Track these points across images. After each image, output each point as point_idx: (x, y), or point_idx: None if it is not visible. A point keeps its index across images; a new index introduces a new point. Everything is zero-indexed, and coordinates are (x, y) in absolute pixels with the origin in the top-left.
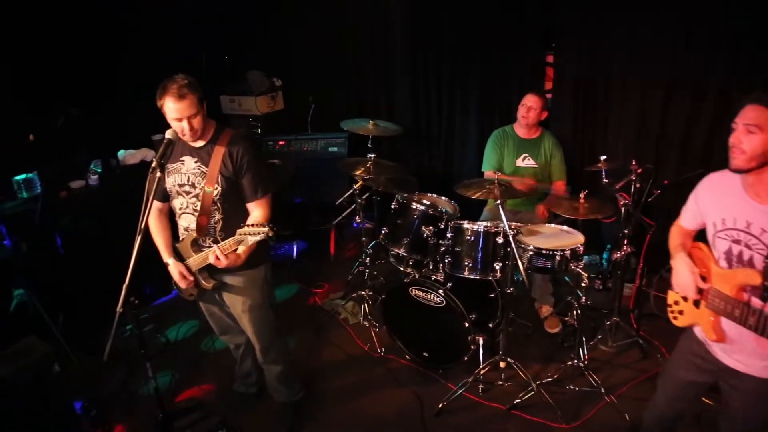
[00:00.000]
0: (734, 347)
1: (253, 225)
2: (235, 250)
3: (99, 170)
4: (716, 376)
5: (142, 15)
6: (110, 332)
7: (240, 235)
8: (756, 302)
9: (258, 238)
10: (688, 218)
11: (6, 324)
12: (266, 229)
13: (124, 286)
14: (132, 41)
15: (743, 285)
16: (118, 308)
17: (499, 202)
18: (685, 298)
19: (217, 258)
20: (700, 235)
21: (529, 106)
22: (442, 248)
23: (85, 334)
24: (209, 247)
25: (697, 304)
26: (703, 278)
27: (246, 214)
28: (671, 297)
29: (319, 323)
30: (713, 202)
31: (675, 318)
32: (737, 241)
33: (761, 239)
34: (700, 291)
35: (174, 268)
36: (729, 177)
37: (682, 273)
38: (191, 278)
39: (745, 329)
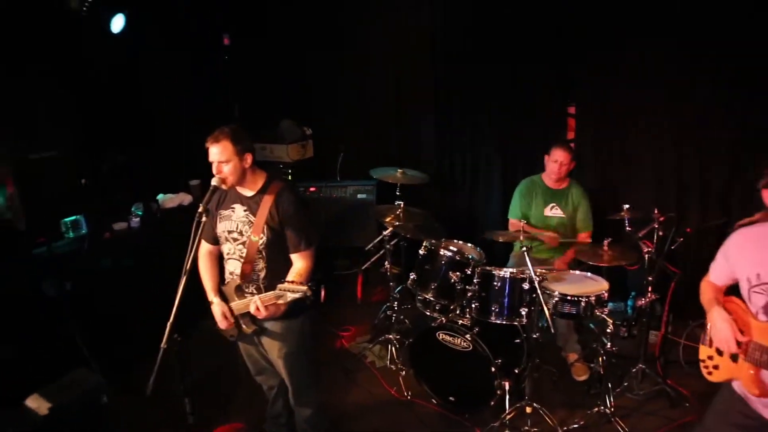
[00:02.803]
0: None
1: (293, 282)
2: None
3: (140, 213)
4: (761, 430)
5: (177, 68)
6: (154, 367)
7: (280, 290)
8: None
9: (296, 296)
10: (718, 275)
11: (54, 356)
12: (305, 288)
13: (169, 323)
14: (168, 93)
15: None
16: (162, 344)
17: (524, 249)
18: (720, 353)
19: (258, 309)
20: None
21: (561, 161)
22: (469, 293)
23: (125, 370)
24: (252, 293)
25: (735, 358)
26: (741, 332)
27: (289, 264)
28: (704, 352)
29: (346, 366)
30: (746, 258)
31: (710, 373)
32: None
33: None
34: (739, 344)
35: (217, 308)
36: (760, 231)
37: (721, 327)
38: (231, 320)
39: None
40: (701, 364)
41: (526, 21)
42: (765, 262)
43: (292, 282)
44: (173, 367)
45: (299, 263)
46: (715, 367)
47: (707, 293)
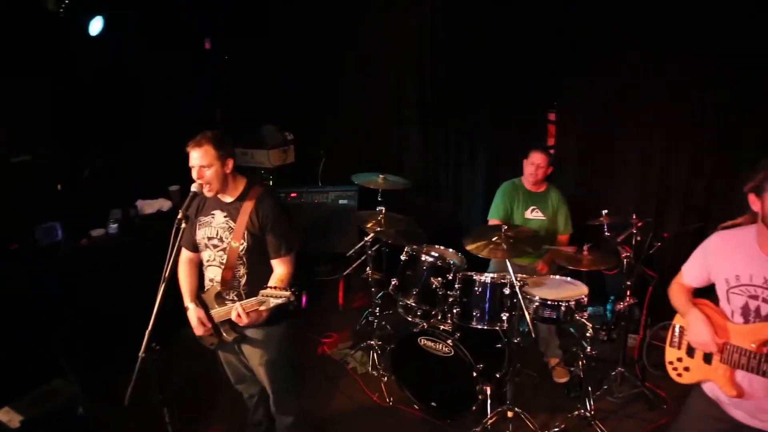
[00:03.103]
0: (752, 403)
1: (276, 287)
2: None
3: (118, 219)
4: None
5: (159, 72)
6: (131, 376)
7: (262, 296)
8: None
9: (279, 301)
10: (693, 276)
11: (30, 368)
12: (288, 293)
13: (147, 332)
14: (150, 97)
15: (766, 339)
16: (140, 353)
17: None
18: (691, 354)
19: (239, 316)
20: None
21: (537, 164)
22: (451, 299)
23: (103, 379)
24: (232, 300)
25: (708, 359)
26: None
27: (270, 271)
28: (673, 354)
29: (328, 373)
30: (726, 259)
31: (680, 375)
32: (755, 297)
33: None
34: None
35: (193, 313)
36: (742, 235)
37: (700, 329)
38: (209, 326)
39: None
40: (669, 366)
41: (507, 28)
42: (745, 264)
43: (275, 288)
44: (152, 375)
45: (280, 269)
46: (686, 368)
47: (679, 295)
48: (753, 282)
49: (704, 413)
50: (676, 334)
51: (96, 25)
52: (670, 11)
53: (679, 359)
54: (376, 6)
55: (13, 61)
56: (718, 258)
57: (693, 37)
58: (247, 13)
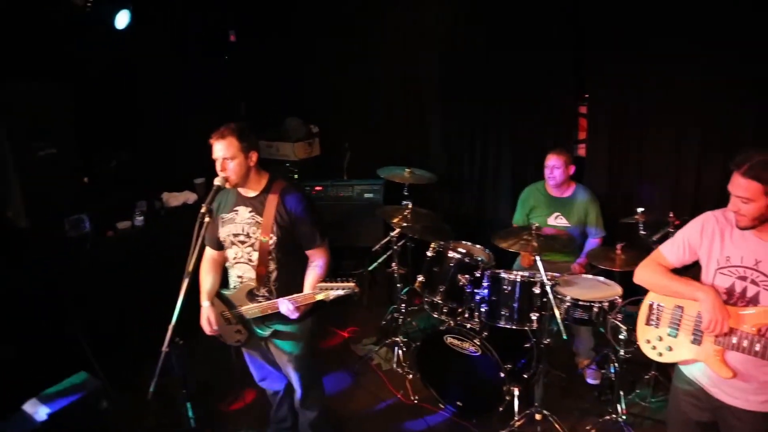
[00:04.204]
0: (737, 384)
1: (337, 279)
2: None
3: (144, 211)
4: (714, 413)
5: (184, 64)
6: (155, 370)
7: (320, 290)
8: None
9: (341, 293)
10: (678, 253)
11: (56, 359)
12: (352, 284)
13: (170, 327)
14: (175, 90)
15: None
16: (164, 348)
17: (536, 255)
18: (673, 334)
19: (290, 309)
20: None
21: (552, 166)
22: (478, 297)
23: (127, 372)
24: (264, 297)
25: (696, 340)
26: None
27: (300, 265)
28: (651, 332)
29: (352, 368)
30: (716, 240)
31: (660, 354)
32: (743, 278)
33: None
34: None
35: (207, 311)
36: (733, 216)
37: (715, 307)
38: (215, 327)
39: (756, 361)
40: (647, 345)
41: (539, 17)
42: (735, 246)
43: (335, 279)
44: (175, 370)
45: (318, 258)
46: (669, 348)
47: (667, 275)
48: (743, 263)
49: (683, 392)
50: (655, 311)
51: (122, 19)
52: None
53: (660, 338)
54: None
55: (38, 55)
56: (710, 239)
57: (733, 26)
58: (271, 5)
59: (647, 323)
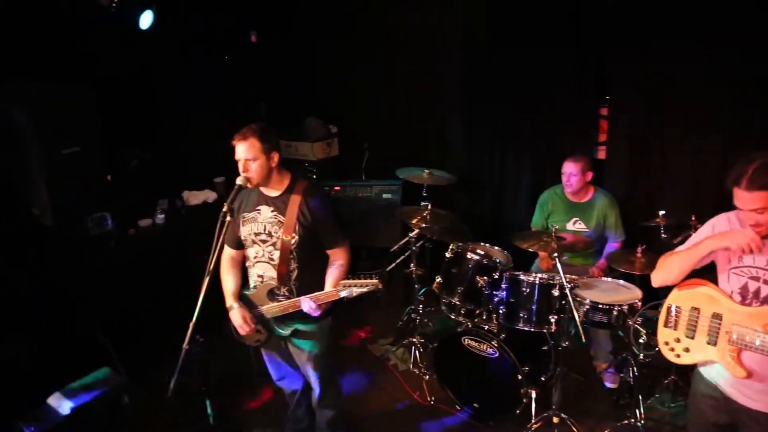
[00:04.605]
0: (753, 385)
1: (360, 276)
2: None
3: (165, 209)
4: (732, 416)
5: (206, 65)
6: (175, 368)
7: (344, 287)
8: None
9: (365, 290)
10: None
11: (77, 354)
12: (376, 281)
13: (191, 324)
14: (196, 90)
15: None
16: (185, 345)
17: (556, 255)
18: (690, 336)
19: (313, 307)
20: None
21: (569, 173)
22: (496, 299)
23: (148, 368)
24: (284, 296)
25: (712, 341)
26: (720, 316)
27: (320, 264)
28: (669, 335)
29: (369, 368)
30: None
31: (678, 356)
32: (755, 278)
33: None
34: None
35: (237, 313)
36: (745, 217)
37: (737, 230)
38: (252, 326)
39: None
40: (665, 347)
41: (557, 18)
42: None
43: (358, 276)
44: (195, 368)
45: (340, 258)
46: (686, 349)
47: (675, 256)
48: (756, 264)
49: (702, 394)
50: (672, 313)
51: (146, 19)
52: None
53: (677, 340)
54: (416, 1)
55: (63, 55)
56: None
57: (753, 28)
58: (292, 5)
59: (665, 325)
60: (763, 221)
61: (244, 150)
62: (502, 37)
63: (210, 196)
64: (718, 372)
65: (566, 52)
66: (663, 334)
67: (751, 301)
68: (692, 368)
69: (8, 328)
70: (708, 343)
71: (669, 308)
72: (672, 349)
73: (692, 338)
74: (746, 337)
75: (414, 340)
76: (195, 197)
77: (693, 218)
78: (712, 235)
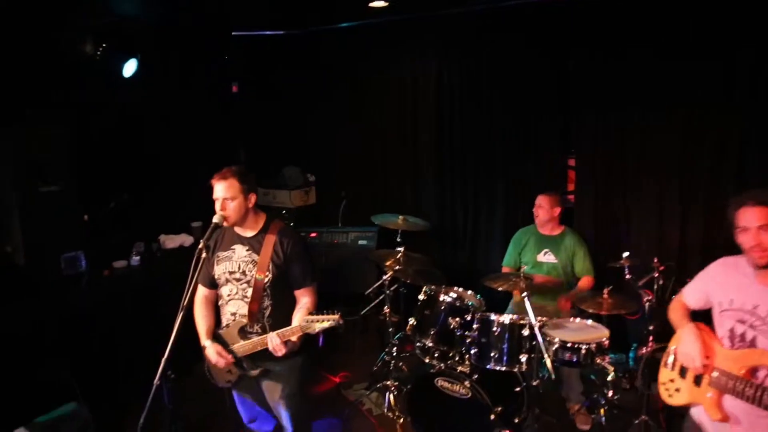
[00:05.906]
0: (733, 429)
1: (320, 313)
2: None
3: (140, 252)
4: None
5: (187, 112)
6: (144, 407)
7: (306, 323)
8: None
9: (326, 325)
10: (694, 296)
11: (47, 390)
12: (336, 317)
13: (163, 359)
14: (176, 135)
15: (756, 366)
16: (156, 381)
17: (525, 295)
18: (683, 375)
19: (279, 346)
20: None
21: (539, 205)
22: (469, 339)
23: (118, 408)
24: (257, 333)
25: (698, 381)
26: (707, 357)
27: (292, 302)
28: (666, 375)
29: (342, 413)
30: (724, 283)
31: (670, 396)
32: (742, 321)
33: (766, 321)
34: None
35: (211, 349)
36: (742, 262)
37: (689, 341)
38: (230, 358)
39: (755, 410)
40: (662, 387)
41: (528, 74)
42: (739, 289)
43: (320, 313)
44: (164, 408)
45: (306, 298)
46: (677, 390)
47: (677, 311)
48: (743, 307)
49: None
50: (671, 354)
51: (130, 67)
52: (684, 58)
53: (672, 380)
54: (392, 56)
55: (46, 99)
56: (719, 281)
57: (707, 82)
58: (273, 61)
59: (664, 365)
60: (766, 241)
61: (223, 189)
62: (469, 96)
63: (186, 240)
64: (701, 413)
65: (536, 109)
66: (662, 374)
67: (738, 345)
68: (661, 410)
69: None
70: (694, 384)
71: (669, 350)
72: (667, 389)
73: (684, 378)
74: (722, 379)
75: (388, 383)
76: (171, 241)
77: (656, 260)
78: (678, 334)
